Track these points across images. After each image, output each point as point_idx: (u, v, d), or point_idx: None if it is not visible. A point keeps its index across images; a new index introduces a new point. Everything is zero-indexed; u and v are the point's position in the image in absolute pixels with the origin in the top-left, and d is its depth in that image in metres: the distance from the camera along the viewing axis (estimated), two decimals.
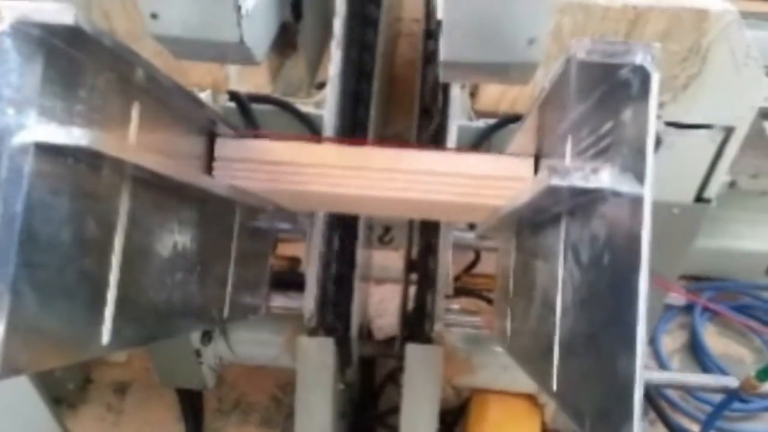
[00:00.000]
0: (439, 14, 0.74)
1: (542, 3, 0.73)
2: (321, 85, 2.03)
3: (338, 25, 1.38)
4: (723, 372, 2.45)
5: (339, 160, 1.23)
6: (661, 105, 1.17)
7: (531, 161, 1.16)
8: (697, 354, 2.59)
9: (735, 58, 1.05)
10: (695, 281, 2.71)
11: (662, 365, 2.51)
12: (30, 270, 0.70)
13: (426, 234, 1.62)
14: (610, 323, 0.67)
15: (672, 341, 2.65)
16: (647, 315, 0.61)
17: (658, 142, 1.14)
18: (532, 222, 1.09)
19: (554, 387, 0.83)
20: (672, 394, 2.40)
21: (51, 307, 0.74)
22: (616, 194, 0.68)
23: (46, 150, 0.70)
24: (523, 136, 1.07)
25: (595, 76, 0.72)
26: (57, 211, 0.75)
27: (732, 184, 2.23)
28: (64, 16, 0.69)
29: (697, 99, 1.14)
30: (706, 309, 2.60)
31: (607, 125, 0.73)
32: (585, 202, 0.76)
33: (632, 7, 1.01)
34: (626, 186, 0.66)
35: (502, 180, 1.21)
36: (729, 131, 1.18)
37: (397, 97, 2.12)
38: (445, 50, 0.77)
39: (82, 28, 0.70)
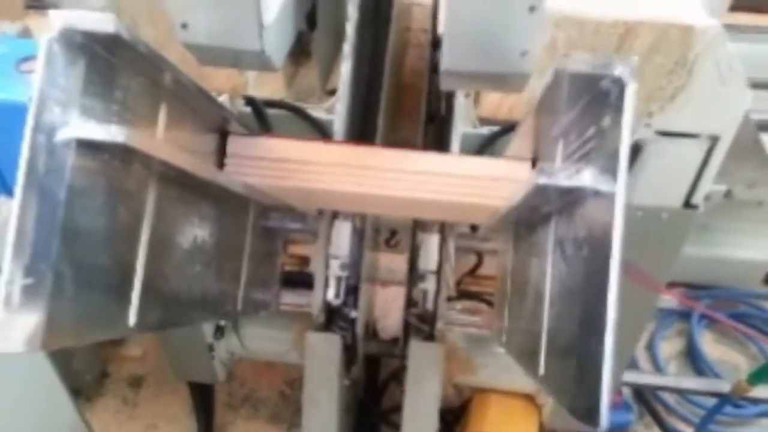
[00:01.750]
0: (440, 28, 0.83)
1: (534, 19, 0.81)
2: (332, 92, 2.11)
3: (350, 31, 1.44)
4: (718, 378, 2.51)
5: (345, 159, 1.30)
6: (650, 114, 1.24)
7: (528, 164, 1.23)
8: (693, 360, 2.64)
9: (719, 70, 1.12)
10: (693, 289, 2.76)
11: (659, 370, 2.57)
12: (69, 253, 0.78)
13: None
14: (587, 309, 0.74)
15: (670, 347, 2.70)
16: (620, 302, 0.68)
17: (638, 149, 1.20)
18: (527, 222, 1.16)
19: (541, 372, 0.91)
20: (667, 398, 2.45)
21: (86, 287, 0.82)
22: (596, 193, 0.76)
23: (86, 145, 0.78)
24: (520, 141, 1.15)
25: (580, 86, 0.80)
26: (93, 201, 0.82)
27: (728, 194, 2.29)
28: (106, 24, 0.77)
29: (683, 109, 1.19)
30: (703, 316, 2.65)
31: (591, 131, 0.80)
32: (571, 200, 0.83)
33: (622, 23, 1.07)
34: (605, 185, 0.74)
35: (500, 181, 1.28)
36: (715, 140, 1.24)
37: (406, 104, 2.19)
38: (445, 60, 0.85)
39: (121, 36, 0.78)
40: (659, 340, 2.68)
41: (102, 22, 0.77)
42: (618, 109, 0.72)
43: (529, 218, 1.12)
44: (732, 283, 2.77)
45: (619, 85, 0.73)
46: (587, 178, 0.75)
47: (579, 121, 0.85)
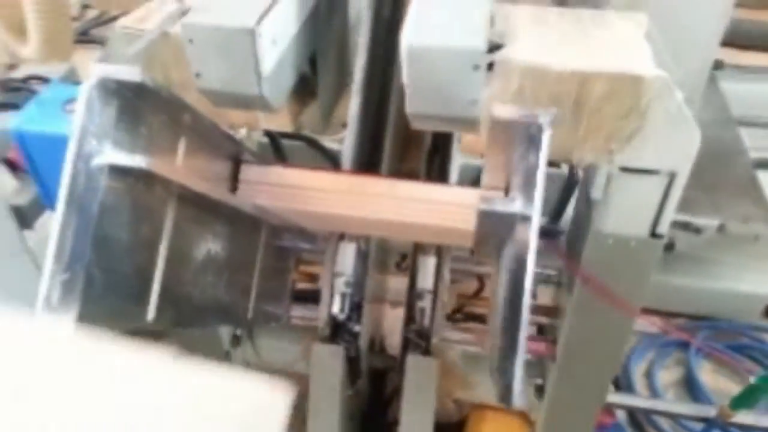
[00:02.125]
0: (403, 79, 1.00)
1: (478, 75, 0.98)
2: (345, 124, 2.28)
3: (359, 71, 1.60)
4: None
5: (346, 186, 1.48)
6: (611, 152, 1.38)
7: (501, 193, 1.39)
8: (691, 389, 2.70)
9: (670, 114, 1.26)
10: (693, 320, 2.84)
11: (656, 397, 2.64)
12: (99, 258, 0.95)
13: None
14: (515, 313, 0.90)
15: (669, 375, 2.77)
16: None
17: (573, 183, 1.34)
18: (498, 246, 1.31)
19: (491, 371, 1.06)
20: (662, 423, 2.53)
21: (112, 286, 0.99)
22: (525, 218, 0.92)
23: (116, 170, 0.96)
24: (490, 173, 1.31)
25: (516, 131, 0.96)
26: (120, 216, 0.99)
27: (721, 228, 2.38)
28: (134, 75, 0.95)
29: (640, 148, 1.31)
30: (699, 348, 2.73)
31: (525, 165, 0.97)
32: (510, 225, 0.99)
33: (580, 73, 1.23)
34: (530, 211, 0.90)
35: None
36: (672, 176, 1.37)
37: (415, 137, 2.35)
38: (408, 105, 1.03)
39: (146, 84, 0.96)
40: (658, 368, 2.76)
41: (131, 74, 0.95)
42: (538, 150, 0.89)
43: (498, 242, 1.27)
44: (732, 315, 2.83)
45: (539, 130, 0.89)
46: (518, 205, 0.92)
47: (521, 158, 1.01)
